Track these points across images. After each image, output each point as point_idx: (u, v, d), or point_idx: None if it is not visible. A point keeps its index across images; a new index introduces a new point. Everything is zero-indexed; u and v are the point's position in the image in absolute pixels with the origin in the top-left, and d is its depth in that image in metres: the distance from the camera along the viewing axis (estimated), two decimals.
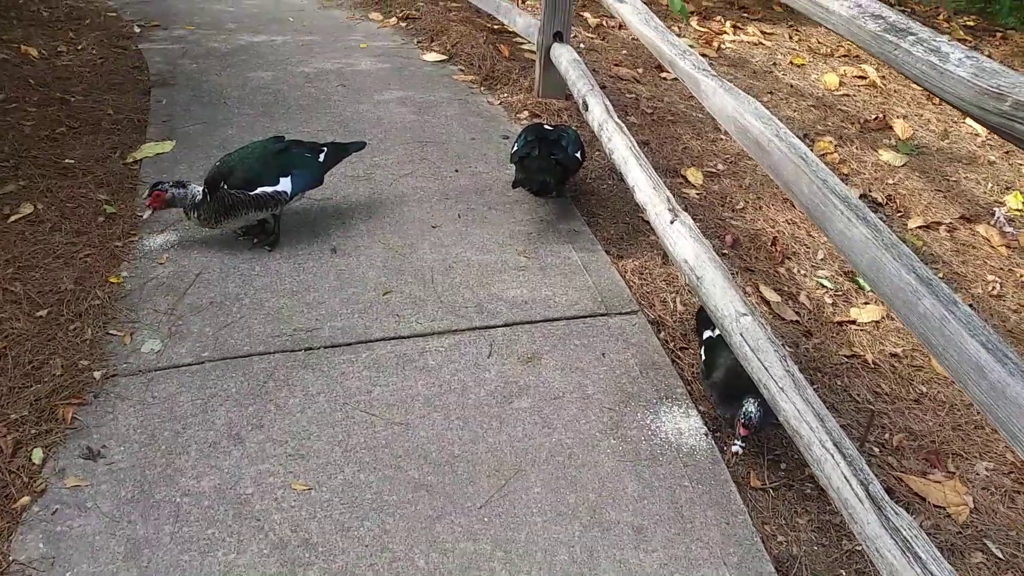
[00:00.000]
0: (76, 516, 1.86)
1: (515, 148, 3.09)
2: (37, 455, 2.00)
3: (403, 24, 5.20)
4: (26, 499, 1.89)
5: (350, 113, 3.85)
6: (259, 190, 2.70)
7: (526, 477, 2.03)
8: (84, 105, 3.70)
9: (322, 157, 2.92)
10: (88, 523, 1.85)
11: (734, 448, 2.14)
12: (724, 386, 2.15)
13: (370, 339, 2.43)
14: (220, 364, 2.31)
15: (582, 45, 4.78)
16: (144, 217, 2.80)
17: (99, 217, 2.90)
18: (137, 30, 4.84)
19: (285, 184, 2.76)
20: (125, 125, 3.59)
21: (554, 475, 2.04)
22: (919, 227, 3.37)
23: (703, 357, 2.30)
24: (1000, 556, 1.98)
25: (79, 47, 4.40)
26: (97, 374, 2.24)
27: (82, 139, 3.40)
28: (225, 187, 2.67)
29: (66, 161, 3.21)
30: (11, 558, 1.76)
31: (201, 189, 2.70)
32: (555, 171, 2.97)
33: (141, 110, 3.75)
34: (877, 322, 2.76)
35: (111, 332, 2.40)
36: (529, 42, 4.31)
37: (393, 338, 2.44)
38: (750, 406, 2.06)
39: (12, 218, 2.81)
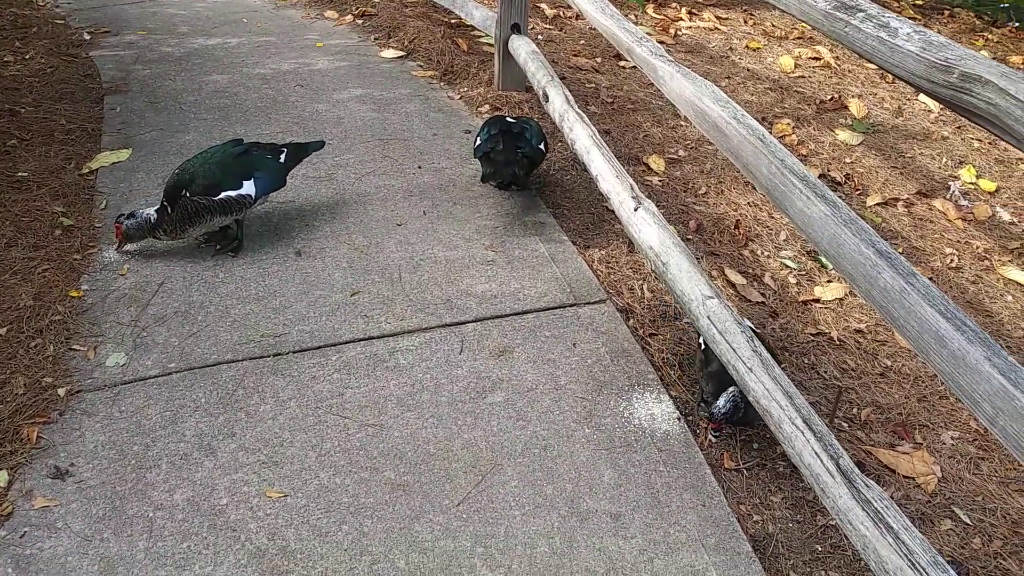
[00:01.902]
0: (46, 537, 1.83)
1: (478, 143, 3.08)
2: (2, 478, 1.95)
3: (359, 21, 5.16)
4: None
5: (309, 113, 3.81)
6: (223, 195, 2.66)
7: (503, 471, 2.03)
8: (35, 116, 3.62)
9: (283, 158, 2.89)
10: (59, 544, 1.81)
11: (710, 437, 2.17)
12: (720, 376, 2.15)
13: (339, 341, 2.41)
14: (187, 374, 2.28)
15: (540, 37, 4.78)
16: (118, 249, 2.75)
17: (56, 230, 2.84)
18: (87, 37, 4.74)
19: (249, 187, 2.72)
20: (79, 135, 3.52)
21: (530, 467, 2.04)
22: (877, 204, 3.43)
23: (703, 346, 2.30)
24: (968, 522, 2.03)
25: (27, 56, 4.30)
26: (61, 391, 2.20)
27: (35, 151, 3.33)
28: (187, 195, 2.63)
29: (19, 174, 3.14)
30: None
31: (153, 210, 2.66)
32: (522, 164, 2.97)
33: (95, 119, 3.68)
34: (840, 299, 2.80)
35: (74, 347, 2.35)
36: (487, 35, 4.29)
37: (363, 339, 2.43)
38: (720, 401, 2.09)
39: None
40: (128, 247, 2.75)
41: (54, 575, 1.75)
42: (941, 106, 1.58)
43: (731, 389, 2.09)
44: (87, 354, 2.33)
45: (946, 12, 6.11)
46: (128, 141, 3.47)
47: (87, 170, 3.24)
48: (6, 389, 2.18)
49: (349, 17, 5.22)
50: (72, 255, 2.73)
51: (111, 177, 3.20)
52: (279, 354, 2.36)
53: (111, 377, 2.26)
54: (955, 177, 3.73)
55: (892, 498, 2.02)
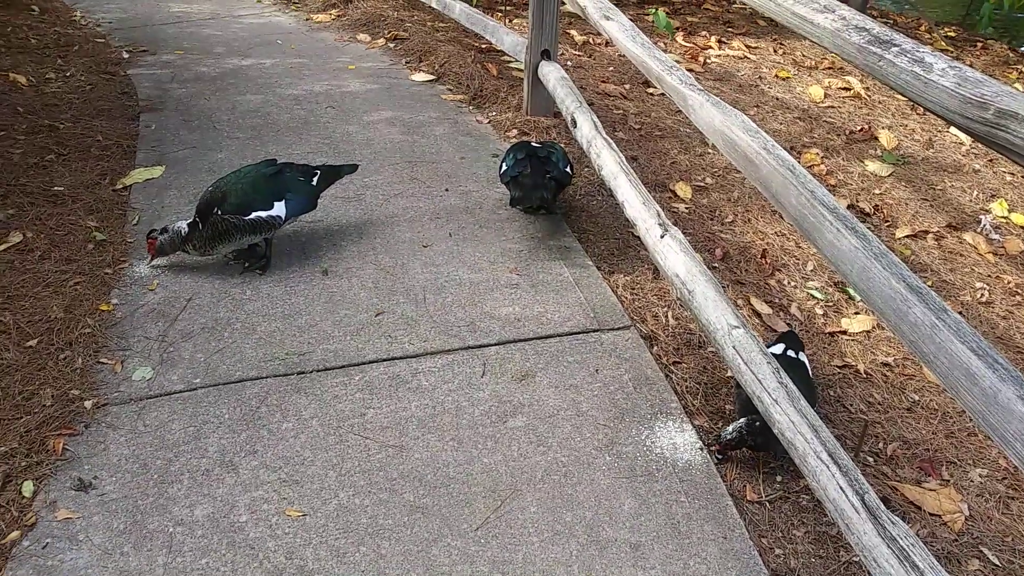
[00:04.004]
0: (68, 549, 1.84)
1: (504, 168, 3.10)
2: (27, 488, 1.98)
3: (391, 45, 5.23)
4: (16, 533, 1.86)
5: (340, 134, 3.86)
6: (253, 215, 2.70)
7: (522, 497, 2.01)
8: (73, 132, 3.70)
9: (315, 180, 2.92)
10: (80, 556, 1.83)
11: (716, 457, 2.19)
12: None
13: (363, 361, 2.42)
14: (212, 390, 2.30)
15: (569, 63, 4.81)
16: (149, 263, 2.80)
17: (89, 244, 2.89)
18: (126, 56, 4.85)
19: (279, 209, 2.76)
20: (114, 151, 3.59)
21: (550, 494, 2.03)
22: (907, 236, 3.39)
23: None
24: (997, 563, 1.98)
25: (67, 74, 4.41)
26: (88, 404, 2.22)
27: (71, 166, 3.40)
28: (219, 213, 2.67)
29: (55, 188, 3.21)
30: None
31: (185, 223, 2.70)
32: (550, 187, 2.99)
33: (130, 136, 3.76)
34: (868, 332, 2.76)
35: (102, 360, 2.38)
36: (517, 61, 4.33)
37: (386, 359, 2.43)
38: (730, 427, 2.12)
39: (1, 247, 2.80)
40: (159, 261, 2.79)
41: None
42: (973, 139, 1.56)
43: (742, 420, 2.11)
44: (114, 367, 2.36)
45: (979, 44, 6.07)
46: (162, 158, 3.54)
47: (121, 186, 3.30)
48: (34, 400, 2.21)
49: (381, 40, 5.30)
50: (104, 269, 2.77)
51: (144, 193, 3.26)
52: (303, 372, 2.37)
53: (137, 391, 2.29)
54: (986, 210, 3.68)
55: (918, 536, 1.98)
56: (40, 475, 2.01)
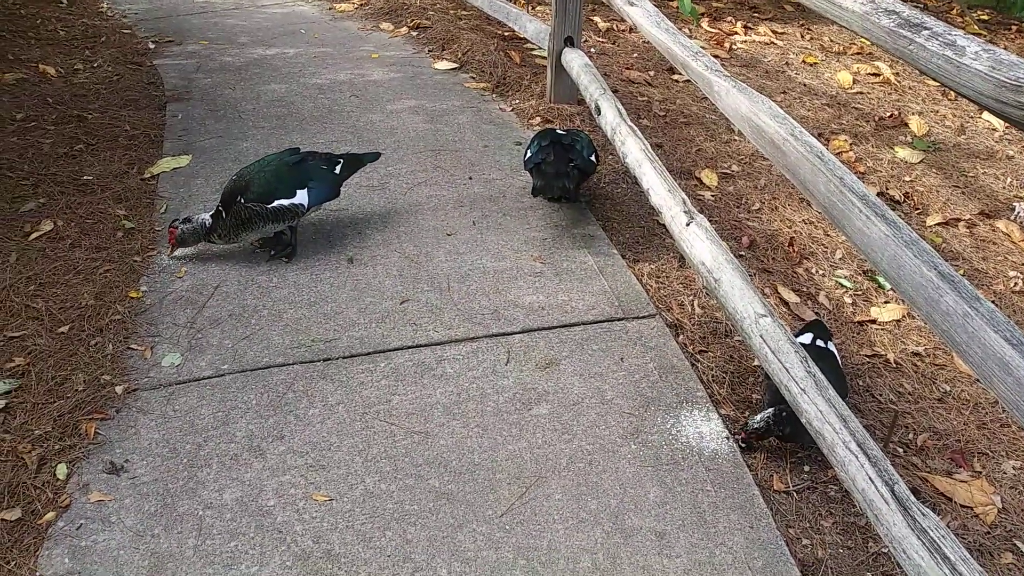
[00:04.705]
0: (101, 531, 1.88)
1: (529, 155, 3.09)
2: (61, 470, 2.01)
3: (414, 33, 5.23)
4: (51, 514, 1.90)
5: (363, 123, 3.87)
6: (276, 203, 2.71)
7: (547, 484, 2.02)
8: (101, 122, 3.75)
9: (338, 169, 2.93)
10: (112, 538, 1.86)
11: (740, 444, 2.19)
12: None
13: (388, 348, 2.44)
14: (240, 376, 2.32)
15: (593, 49, 4.78)
16: (170, 254, 2.81)
17: (118, 232, 2.92)
18: (152, 46, 4.89)
19: (302, 197, 2.77)
20: (142, 140, 3.63)
21: (575, 482, 2.03)
22: (938, 224, 3.34)
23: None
24: None
25: (95, 65, 4.46)
26: (119, 389, 2.26)
27: (100, 155, 3.44)
28: (242, 201, 2.69)
29: (84, 178, 3.25)
30: (38, 574, 1.78)
31: (208, 215, 2.72)
32: (573, 176, 2.96)
33: (157, 125, 3.79)
34: (898, 321, 2.73)
35: (132, 347, 2.42)
36: (540, 48, 4.31)
37: (411, 347, 2.44)
38: (757, 416, 2.11)
39: (33, 235, 2.85)
40: (179, 252, 2.81)
41: (107, 568, 1.79)
42: (1006, 125, 1.54)
43: (770, 410, 2.08)
44: (144, 353, 2.39)
45: (1013, 27, 5.94)
46: (188, 147, 3.57)
47: (149, 175, 3.34)
48: (67, 385, 2.25)
49: (404, 29, 5.30)
50: (133, 257, 2.81)
51: (171, 182, 3.29)
52: (329, 359, 2.39)
53: (166, 377, 2.32)
54: (1020, 198, 3.61)
55: (949, 528, 1.95)
56: (73, 458, 2.05)
